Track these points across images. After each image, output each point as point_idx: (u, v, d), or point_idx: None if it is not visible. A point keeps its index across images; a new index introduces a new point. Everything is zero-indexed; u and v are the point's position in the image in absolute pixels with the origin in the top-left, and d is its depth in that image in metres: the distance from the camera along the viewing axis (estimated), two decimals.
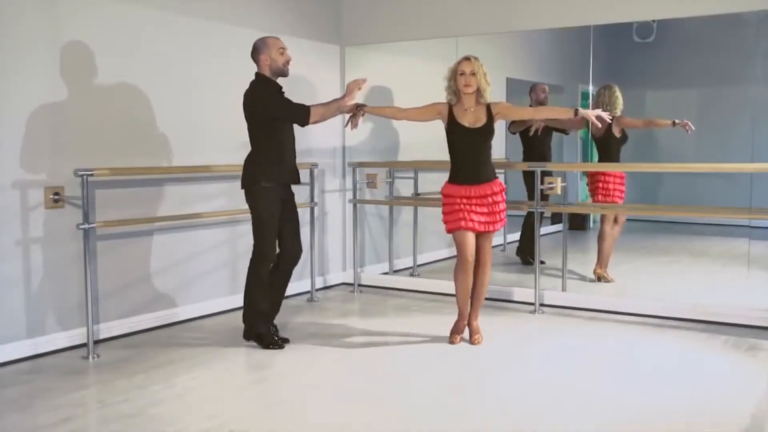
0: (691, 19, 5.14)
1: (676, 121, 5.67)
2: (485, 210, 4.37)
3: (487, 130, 4.38)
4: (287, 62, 4.35)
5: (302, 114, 4.29)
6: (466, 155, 4.39)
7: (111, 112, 4.56)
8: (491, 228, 4.42)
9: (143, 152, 4.74)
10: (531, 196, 6.12)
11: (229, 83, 4.96)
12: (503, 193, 4.45)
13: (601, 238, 5.98)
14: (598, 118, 4.40)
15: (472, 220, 4.34)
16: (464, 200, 4.36)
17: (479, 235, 4.41)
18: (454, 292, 4.53)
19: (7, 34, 4.04)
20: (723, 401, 3.50)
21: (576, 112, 4.39)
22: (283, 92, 4.38)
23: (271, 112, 4.28)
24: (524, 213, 6.29)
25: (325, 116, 4.42)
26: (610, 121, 4.41)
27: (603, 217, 5.96)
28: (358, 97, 4.63)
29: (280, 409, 3.45)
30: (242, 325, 4.49)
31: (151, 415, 3.33)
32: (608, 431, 3.18)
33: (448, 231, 4.43)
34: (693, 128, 5.58)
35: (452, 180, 4.44)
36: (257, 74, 4.35)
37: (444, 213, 4.45)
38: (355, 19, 6.23)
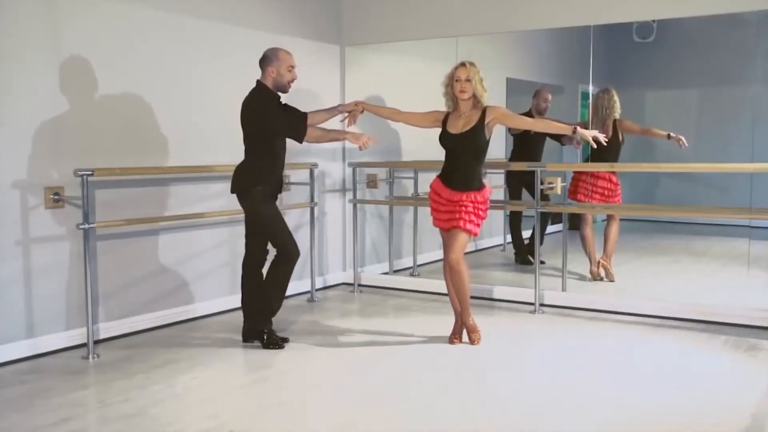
0: (691, 19, 5.14)
1: (672, 134, 5.70)
2: (449, 209, 4.39)
3: (472, 136, 4.32)
4: (292, 81, 4.35)
5: (298, 133, 4.30)
6: (450, 159, 4.44)
7: (111, 112, 4.56)
8: (451, 225, 4.37)
9: (143, 152, 4.74)
10: (513, 197, 6.20)
11: (229, 83, 4.97)
12: (477, 203, 4.35)
13: (582, 239, 6.02)
14: (595, 139, 4.36)
15: (436, 218, 4.48)
16: (435, 195, 4.45)
17: (448, 233, 4.44)
18: None
19: (7, 34, 4.04)
20: (723, 401, 3.50)
21: (574, 131, 4.38)
22: (281, 102, 4.40)
23: (269, 126, 4.29)
24: (515, 214, 6.33)
25: (319, 140, 4.46)
26: (605, 144, 4.39)
27: (582, 220, 6.00)
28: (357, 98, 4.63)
29: (280, 409, 3.45)
30: (241, 325, 4.49)
31: (151, 415, 3.33)
32: (608, 431, 3.18)
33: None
34: (686, 144, 5.60)
35: (439, 174, 4.52)
36: (258, 83, 4.35)
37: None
38: (355, 19, 6.23)
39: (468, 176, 4.37)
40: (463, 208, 4.34)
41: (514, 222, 6.56)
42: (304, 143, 4.46)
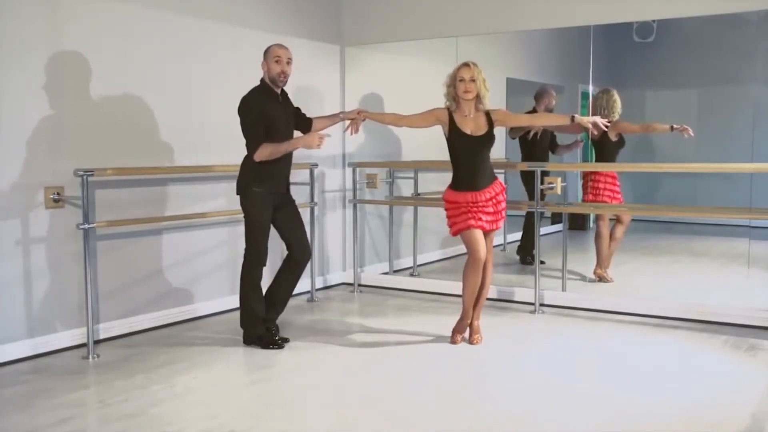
0: (691, 19, 5.14)
1: (675, 126, 5.65)
2: (491, 210, 4.39)
3: (489, 138, 4.40)
4: (281, 73, 4.30)
5: (250, 150, 4.29)
6: (468, 162, 4.39)
7: (111, 112, 4.56)
8: (495, 226, 4.46)
9: (143, 152, 4.74)
10: (531, 197, 6.13)
11: (229, 83, 4.97)
12: (504, 192, 4.46)
13: (597, 237, 5.99)
14: (595, 125, 4.39)
15: (480, 219, 4.36)
16: (471, 204, 4.37)
17: (485, 234, 4.42)
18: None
19: (7, 33, 4.04)
20: (723, 401, 3.50)
21: (572, 119, 4.39)
22: (288, 99, 4.41)
23: (242, 128, 4.32)
24: (524, 213, 6.30)
25: (272, 156, 4.28)
26: (606, 129, 4.39)
27: (598, 217, 5.97)
28: (356, 103, 4.63)
29: (280, 409, 3.45)
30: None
31: (151, 415, 3.33)
32: (608, 431, 3.18)
33: (456, 233, 4.43)
34: (692, 134, 5.56)
35: (455, 187, 4.43)
36: (261, 80, 4.38)
37: (449, 217, 4.46)
38: (355, 19, 6.23)
39: (489, 170, 4.44)
40: (501, 205, 4.43)
41: (530, 222, 6.51)
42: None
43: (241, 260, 4.43)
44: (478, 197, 4.36)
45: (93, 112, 4.47)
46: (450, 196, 4.45)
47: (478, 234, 4.35)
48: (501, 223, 4.50)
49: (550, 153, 6.39)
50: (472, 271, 4.38)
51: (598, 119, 4.41)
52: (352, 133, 4.68)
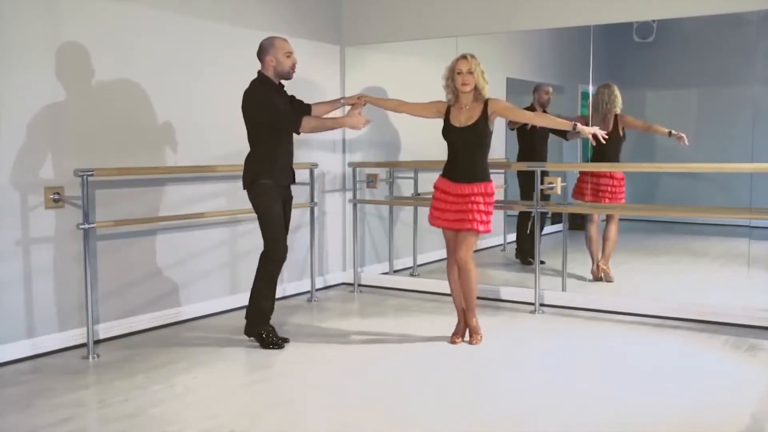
0: (691, 19, 5.14)
1: (673, 132, 5.68)
2: (458, 208, 4.34)
3: (475, 130, 4.33)
4: (293, 66, 4.36)
5: (292, 124, 4.27)
6: (454, 153, 4.43)
7: (111, 111, 4.56)
8: (463, 227, 4.32)
9: (143, 152, 4.74)
10: (524, 196, 6.15)
11: (229, 83, 4.96)
12: (488, 196, 4.33)
13: (588, 240, 6.00)
14: (594, 136, 4.36)
15: (440, 218, 4.40)
16: (442, 194, 4.40)
17: (455, 235, 4.42)
18: None
19: (7, 33, 4.04)
20: (723, 401, 3.50)
21: (574, 127, 4.36)
22: (285, 90, 4.40)
23: (263, 119, 4.29)
24: (524, 213, 6.30)
25: (317, 129, 4.38)
26: (604, 142, 4.38)
27: (589, 220, 5.98)
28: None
29: (280, 409, 3.45)
30: (242, 324, 4.49)
31: (151, 415, 3.33)
32: (608, 431, 3.18)
33: (431, 224, 4.54)
34: (687, 143, 5.59)
35: (442, 173, 4.49)
36: (259, 74, 4.36)
37: (431, 206, 4.52)
38: (355, 19, 6.23)
39: (474, 167, 4.36)
40: (476, 206, 4.29)
41: (522, 221, 6.51)
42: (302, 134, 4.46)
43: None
44: (451, 188, 4.37)
45: (93, 112, 4.47)
46: (436, 181, 4.51)
47: (447, 232, 4.45)
48: (479, 228, 4.28)
49: (562, 142, 6.37)
50: (447, 268, 4.51)
51: (598, 131, 4.36)
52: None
